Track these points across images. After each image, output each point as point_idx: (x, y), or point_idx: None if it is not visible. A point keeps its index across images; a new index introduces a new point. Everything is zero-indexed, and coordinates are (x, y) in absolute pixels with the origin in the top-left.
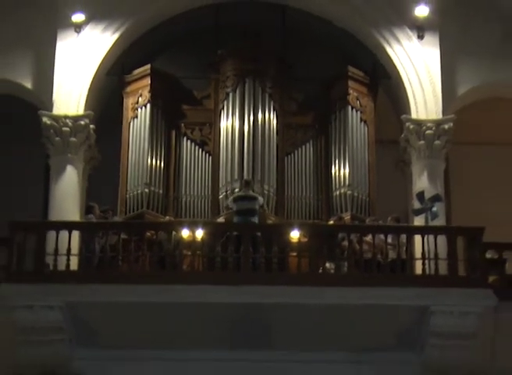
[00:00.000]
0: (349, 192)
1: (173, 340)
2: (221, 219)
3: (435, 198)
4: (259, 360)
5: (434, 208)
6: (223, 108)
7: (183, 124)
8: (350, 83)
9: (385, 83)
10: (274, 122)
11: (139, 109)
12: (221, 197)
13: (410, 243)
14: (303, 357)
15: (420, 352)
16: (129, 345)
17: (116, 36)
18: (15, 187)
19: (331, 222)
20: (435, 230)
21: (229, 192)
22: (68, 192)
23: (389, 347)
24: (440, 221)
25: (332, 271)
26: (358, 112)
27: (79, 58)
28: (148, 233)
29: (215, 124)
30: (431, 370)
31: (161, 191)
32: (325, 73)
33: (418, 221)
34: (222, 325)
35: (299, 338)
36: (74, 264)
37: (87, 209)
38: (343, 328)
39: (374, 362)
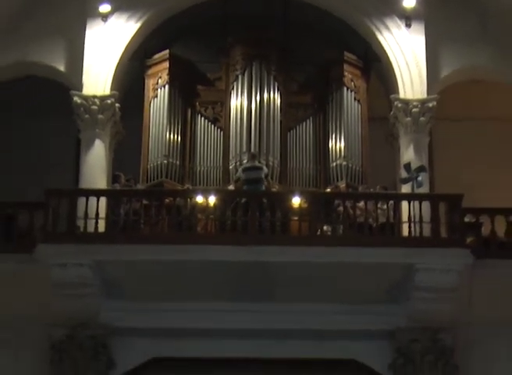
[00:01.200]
0: (344, 163)
1: (189, 293)
2: (231, 187)
3: (420, 169)
4: (263, 311)
5: (419, 178)
6: (233, 88)
7: (197, 103)
8: (346, 66)
9: (377, 67)
10: (278, 101)
11: (158, 90)
12: (231, 167)
13: (397, 208)
14: (302, 308)
15: (406, 304)
16: (151, 298)
17: (139, 25)
18: (50, 159)
19: (328, 190)
20: (420, 197)
21: (238, 163)
22: (96, 163)
23: (379, 300)
24: (424, 189)
25: (329, 233)
26: (352, 93)
27: (105, 44)
28: (167, 200)
29: (225, 103)
30: (415, 320)
31: (178, 162)
32: (324, 57)
33: (405, 189)
34: (231, 280)
35: (298, 292)
36: (102, 226)
37: (113, 178)
38: (338, 283)
39: (365, 313)
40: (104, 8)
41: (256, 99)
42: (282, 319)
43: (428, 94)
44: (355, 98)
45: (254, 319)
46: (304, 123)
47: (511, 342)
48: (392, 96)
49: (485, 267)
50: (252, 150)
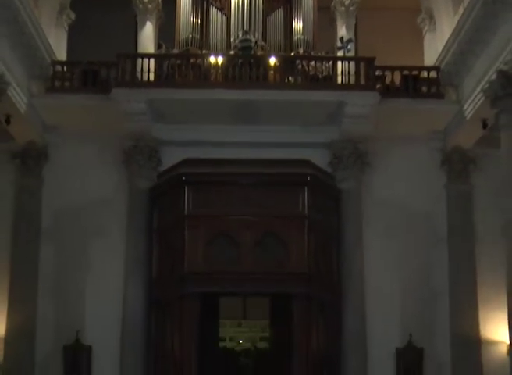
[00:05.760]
0: (302, 37)
1: (207, 118)
2: (232, 52)
3: (349, 41)
4: (252, 130)
5: (349, 47)
6: None
7: None
8: None
9: None
10: None
11: None
12: (232, 40)
13: (335, 66)
14: (275, 128)
15: (339, 126)
16: (184, 121)
17: None
18: (119, 36)
19: (292, 54)
20: (349, 59)
21: (236, 37)
22: (147, 36)
23: (323, 123)
24: (352, 54)
25: (293, 82)
26: None
27: None
28: (192, 60)
29: None
30: (345, 135)
31: (198, 36)
32: None
33: (340, 53)
34: (232, 111)
35: (273, 118)
36: (152, 77)
37: (158, 46)
38: (297, 113)
39: (314, 131)
40: None
41: None
42: (264, 134)
43: None
44: None
45: (246, 135)
46: (277, 11)
47: (401, 150)
48: None
49: (386, 103)
50: (245, 28)
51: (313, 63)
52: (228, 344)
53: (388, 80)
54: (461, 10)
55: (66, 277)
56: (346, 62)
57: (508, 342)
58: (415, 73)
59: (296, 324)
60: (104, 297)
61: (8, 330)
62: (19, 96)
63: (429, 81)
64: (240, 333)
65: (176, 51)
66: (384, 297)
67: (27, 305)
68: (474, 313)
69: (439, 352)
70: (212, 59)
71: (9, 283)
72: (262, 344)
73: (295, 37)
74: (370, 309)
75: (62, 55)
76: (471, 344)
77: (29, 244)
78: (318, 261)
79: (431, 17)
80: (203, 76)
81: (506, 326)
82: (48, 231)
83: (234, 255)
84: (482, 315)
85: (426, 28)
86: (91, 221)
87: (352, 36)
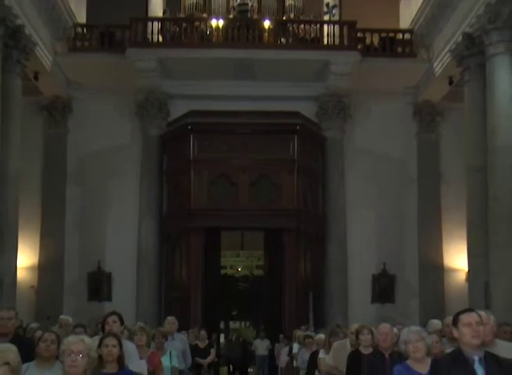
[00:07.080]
0: (293, 2)
1: (209, 75)
2: (231, 16)
3: (334, 6)
4: (249, 85)
5: (333, 12)
6: None
7: None
8: None
9: None
10: None
11: None
12: (231, 4)
13: (322, 29)
14: (269, 83)
15: (325, 81)
16: (189, 78)
17: None
18: (132, 1)
19: (284, 18)
20: (334, 22)
21: (235, 2)
22: (157, 2)
23: (311, 79)
24: (336, 18)
25: (284, 43)
26: None
27: None
28: (196, 23)
29: None
30: (330, 90)
31: (202, 1)
32: None
33: (326, 18)
34: (232, 68)
35: (268, 75)
36: (161, 38)
37: (164, 12)
38: (289, 70)
39: (303, 86)
40: None
41: None
42: (259, 89)
43: None
44: None
45: (244, 89)
46: None
47: (379, 104)
48: None
49: (366, 62)
50: None
51: (302, 26)
52: (228, 271)
53: (368, 41)
54: None
55: (89, 214)
56: (332, 26)
57: (467, 270)
58: (392, 35)
59: (287, 254)
60: (121, 231)
61: (40, 259)
62: (45, 55)
63: (404, 42)
64: (239, 262)
65: (182, 15)
66: (362, 231)
67: (56, 238)
68: (438, 244)
69: (409, 278)
70: (214, 22)
71: (41, 220)
72: (258, 272)
73: (287, 3)
74: (350, 242)
75: (82, 18)
76: (435, 271)
77: (56, 186)
78: (306, 200)
79: None
80: (206, 38)
81: (466, 256)
82: (72, 174)
83: (233, 195)
84: (446, 246)
85: None
86: (110, 165)
87: (337, 2)
